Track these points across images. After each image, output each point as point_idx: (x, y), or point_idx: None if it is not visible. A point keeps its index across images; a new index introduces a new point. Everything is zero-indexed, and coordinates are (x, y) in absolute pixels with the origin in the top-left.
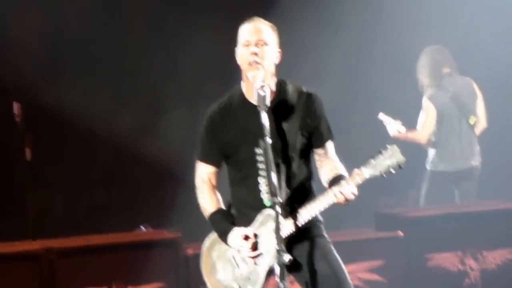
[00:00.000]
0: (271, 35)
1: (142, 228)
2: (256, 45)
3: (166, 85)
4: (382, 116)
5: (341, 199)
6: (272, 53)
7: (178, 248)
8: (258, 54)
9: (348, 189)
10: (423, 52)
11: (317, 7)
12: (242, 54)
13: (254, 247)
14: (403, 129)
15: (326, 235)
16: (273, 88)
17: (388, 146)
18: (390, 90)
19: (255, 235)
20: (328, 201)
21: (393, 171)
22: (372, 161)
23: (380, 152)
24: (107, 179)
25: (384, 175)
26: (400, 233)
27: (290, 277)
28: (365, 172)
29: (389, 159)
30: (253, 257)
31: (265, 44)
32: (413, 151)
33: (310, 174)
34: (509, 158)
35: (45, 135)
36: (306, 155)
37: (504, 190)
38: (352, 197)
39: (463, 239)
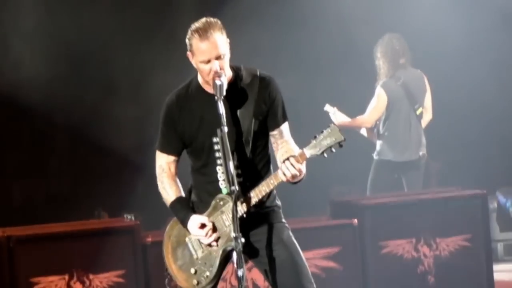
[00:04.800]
0: (224, 42)
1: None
2: (216, 59)
3: (121, 74)
4: (328, 107)
5: (285, 177)
6: (228, 56)
7: (137, 235)
8: (220, 67)
9: (289, 167)
10: (384, 39)
11: (270, 4)
12: (203, 69)
13: (211, 233)
14: (346, 118)
15: (284, 221)
16: (229, 74)
17: (329, 125)
18: (340, 81)
19: (213, 223)
20: (272, 183)
21: (333, 150)
22: (313, 141)
23: (321, 132)
24: (64, 168)
25: (325, 155)
26: (355, 221)
27: (248, 264)
28: (307, 152)
29: (328, 138)
30: (210, 244)
31: (223, 56)
32: (366, 141)
33: (268, 157)
34: (467, 148)
35: (2, 126)
36: (262, 139)
37: (457, 179)
38: (290, 175)
39: (417, 226)
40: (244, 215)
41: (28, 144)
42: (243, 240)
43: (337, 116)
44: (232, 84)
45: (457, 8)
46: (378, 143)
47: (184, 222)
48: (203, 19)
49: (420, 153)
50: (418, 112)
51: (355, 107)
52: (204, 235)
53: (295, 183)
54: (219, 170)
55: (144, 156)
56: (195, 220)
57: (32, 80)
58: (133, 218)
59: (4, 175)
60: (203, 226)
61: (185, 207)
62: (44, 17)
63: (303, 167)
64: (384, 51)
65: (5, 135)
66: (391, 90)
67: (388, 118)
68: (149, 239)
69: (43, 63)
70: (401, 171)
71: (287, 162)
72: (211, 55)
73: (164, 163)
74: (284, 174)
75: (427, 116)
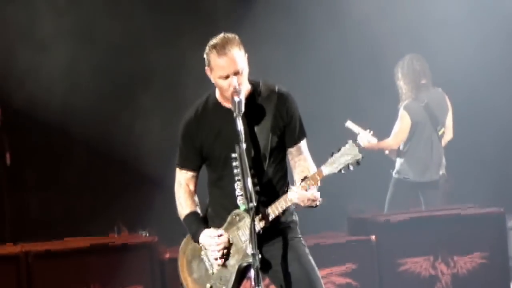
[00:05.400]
0: (242, 57)
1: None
2: (235, 74)
3: (142, 88)
4: (350, 124)
5: (299, 202)
6: (246, 71)
7: (154, 251)
8: (238, 83)
9: (299, 194)
10: (404, 60)
11: (290, 16)
12: (222, 85)
13: (224, 246)
14: (373, 140)
15: (300, 237)
16: (246, 90)
17: (347, 142)
18: (358, 96)
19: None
20: (290, 200)
21: (351, 168)
22: (330, 158)
23: (338, 150)
24: (82, 183)
25: (343, 172)
26: (373, 238)
27: (265, 281)
28: (324, 170)
29: (346, 155)
30: (220, 258)
31: (242, 71)
32: (384, 158)
33: (285, 171)
34: (480, 165)
35: (21, 139)
36: (279, 154)
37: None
38: (307, 202)
39: (434, 244)
40: (261, 231)
41: (46, 158)
42: (259, 256)
43: (363, 137)
44: (250, 98)
45: (475, 26)
46: (398, 162)
47: (196, 236)
48: (221, 35)
49: (440, 173)
50: (440, 133)
51: (374, 122)
52: (218, 244)
53: (311, 207)
54: (237, 186)
55: (163, 171)
56: (209, 232)
57: (50, 94)
58: (147, 234)
59: (23, 189)
60: (217, 237)
61: (198, 221)
62: (61, 28)
63: (316, 192)
64: (405, 72)
65: (24, 149)
66: (414, 112)
67: (410, 139)
68: (167, 255)
69: (61, 77)
70: (420, 191)
71: (296, 191)
72: (229, 70)
73: (182, 179)
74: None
75: (448, 136)
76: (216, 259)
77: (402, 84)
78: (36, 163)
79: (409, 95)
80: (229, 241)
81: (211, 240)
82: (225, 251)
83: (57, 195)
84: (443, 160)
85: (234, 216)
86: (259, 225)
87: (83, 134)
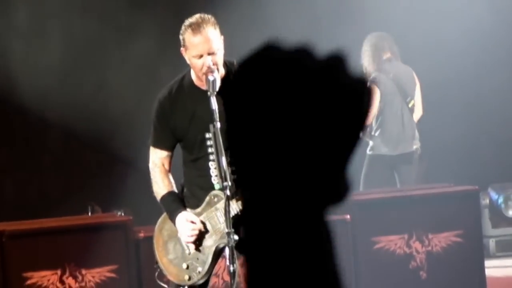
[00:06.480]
0: (217, 37)
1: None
2: (209, 54)
3: (115, 69)
4: None
5: None
6: (221, 52)
7: (129, 231)
8: (212, 63)
9: None
10: (367, 37)
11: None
12: (196, 65)
13: (196, 232)
14: None
15: None
16: (222, 71)
17: None
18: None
19: (202, 222)
20: None
21: None
22: None
23: None
24: (56, 163)
25: None
26: (347, 217)
27: (240, 260)
28: None
29: None
30: (191, 242)
31: (216, 51)
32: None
33: None
34: (455, 143)
35: None
36: None
37: (447, 175)
38: None
39: (409, 222)
40: (239, 213)
41: (20, 139)
42: (236, 237)
43: None
44: (225, 79)
45: (449, 5)
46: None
47: (173, 216)
48: (197, 15)
49: (414, 147)
50: (410, 105)
51: None
52: (189, 229)
53: None
54: (212, 165)
55: (137, 151)
56: (184, 215)
57: (25, 75)
58: (122, 214)
59: None
60: (191, 223)
61: (177, 201)
62: (39, 15)
63: None
64: (365, 49)
65: None
66: (383, 83)
67: (381, 112)
68: (142, 235)
69: (36, 58)
70: (394, 166)
71: None
72: (203, 50)
73: (157, 158)
74: None
75: (418, 113)
76: (188, 243)
77: (364, 62)
78: (9, 144)
79: (371, 67)
80: (204, 226)
81: (186, 224)
82: (198, 236)
83: (31, 176)
84: (416, 133)
85: (212, 197)
86: (238, 207)
87: (56, 115)
